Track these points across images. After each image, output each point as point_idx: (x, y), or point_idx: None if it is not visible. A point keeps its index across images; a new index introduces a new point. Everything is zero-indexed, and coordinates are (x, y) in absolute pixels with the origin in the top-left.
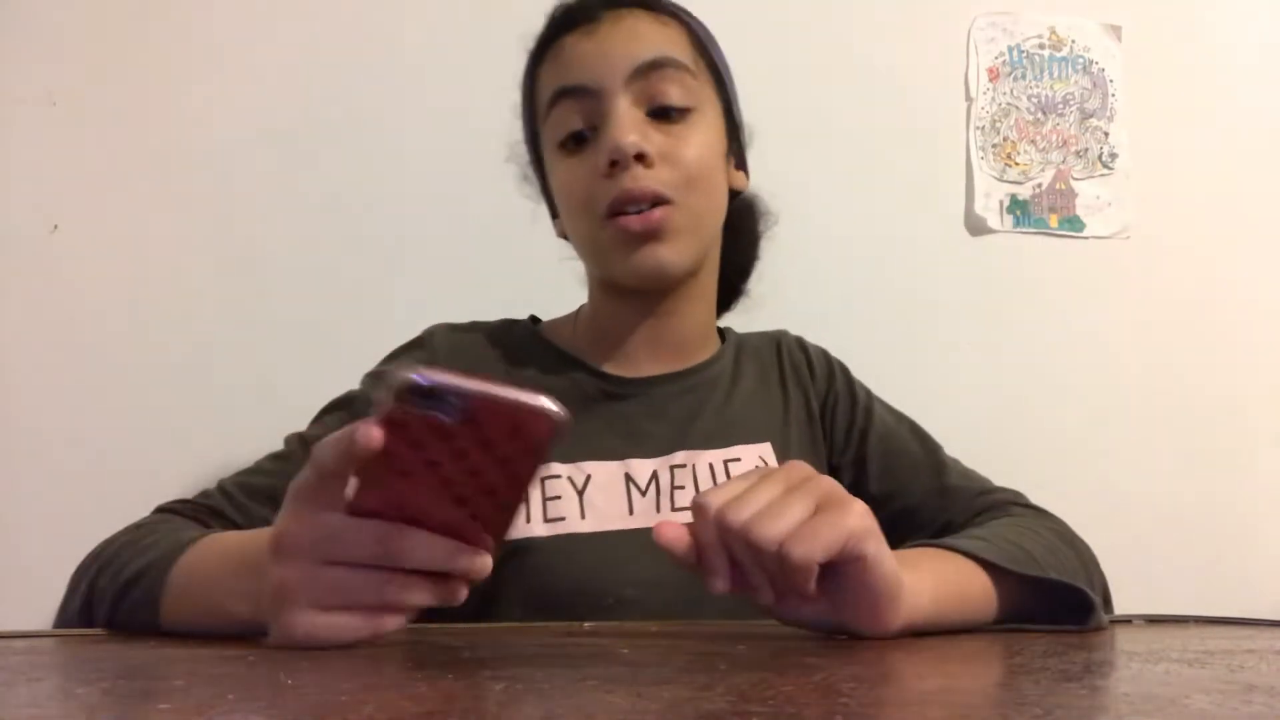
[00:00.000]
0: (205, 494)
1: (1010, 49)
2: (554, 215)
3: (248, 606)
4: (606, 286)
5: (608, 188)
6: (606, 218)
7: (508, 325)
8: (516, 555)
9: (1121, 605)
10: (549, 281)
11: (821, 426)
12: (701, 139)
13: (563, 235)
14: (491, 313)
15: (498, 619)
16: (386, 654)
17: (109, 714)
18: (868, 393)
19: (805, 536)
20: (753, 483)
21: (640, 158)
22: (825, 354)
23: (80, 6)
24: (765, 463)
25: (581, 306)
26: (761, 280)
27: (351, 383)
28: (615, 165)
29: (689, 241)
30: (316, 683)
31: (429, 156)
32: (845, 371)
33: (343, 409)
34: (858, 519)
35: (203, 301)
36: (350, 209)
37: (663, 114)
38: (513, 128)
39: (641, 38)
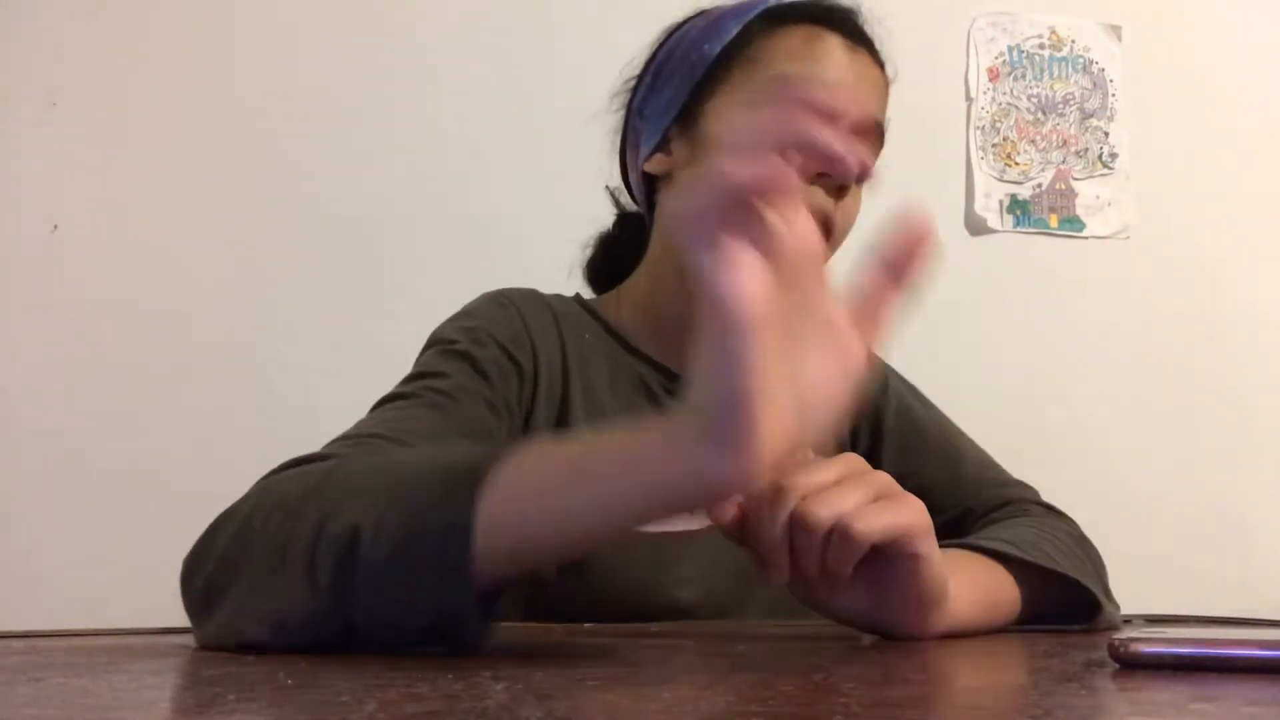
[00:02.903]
0: (354, 445)
1: (1010, 49)
2: (660, 146)
3: (678, 448)
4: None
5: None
6: None
7: (561, 298)
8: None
9: (1121, 605)
10: (552, 279)
11: None
12: (859, 206)
13: (658, 171)
14: None
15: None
16: (387, 654)
17: (109, 714)
18: (893, 373)
19: (867, 515)
20: (813, 470)
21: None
22: None
23: (80, 6)
24: None
25: (623, 292)
26: None
27: (352, 381)
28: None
29: None
30: (316, 683)
31: (432, 158)
32: None
33: (463, 360)
34: (917, 514)
35: (202, 301)
36: (352, 207)
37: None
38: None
39: (877, 95)
